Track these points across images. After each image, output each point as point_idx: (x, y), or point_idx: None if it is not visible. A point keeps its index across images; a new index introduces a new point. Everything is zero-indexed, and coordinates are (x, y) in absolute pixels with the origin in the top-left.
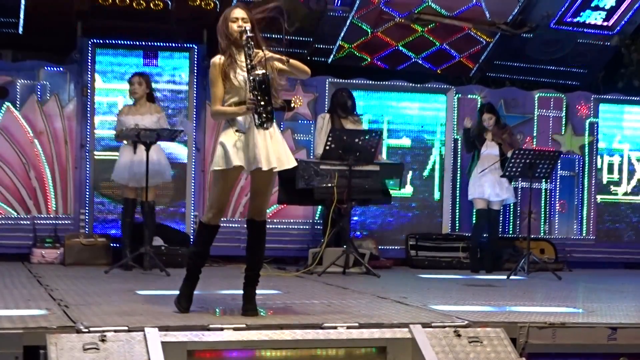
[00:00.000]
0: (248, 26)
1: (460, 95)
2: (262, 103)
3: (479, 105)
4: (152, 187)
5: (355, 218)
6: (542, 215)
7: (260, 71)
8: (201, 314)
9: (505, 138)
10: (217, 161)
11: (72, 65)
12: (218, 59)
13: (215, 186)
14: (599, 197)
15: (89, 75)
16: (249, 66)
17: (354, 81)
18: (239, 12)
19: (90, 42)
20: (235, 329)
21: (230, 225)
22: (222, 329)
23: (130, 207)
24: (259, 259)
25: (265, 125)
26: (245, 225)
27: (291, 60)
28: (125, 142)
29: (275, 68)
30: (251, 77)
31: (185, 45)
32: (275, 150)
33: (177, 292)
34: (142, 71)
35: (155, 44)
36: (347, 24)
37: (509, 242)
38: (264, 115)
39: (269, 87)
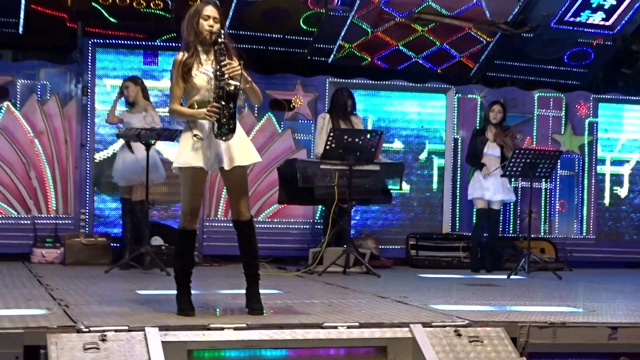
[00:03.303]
0: (218, 27)
1: (460, 94)
2: (227, 115)
3: (479, 105)
4: (140, 186)
5: (357, 217)
6: (542, 214)
7: (233, 82)
8: (201, 314)
9: (507, 141)
10: (177, 159)
11: (72, 65)
12: (181, 56)
13: (184, 190)
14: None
15: (89, 75)
16: (218, 73)
17: (354, 81)
18: (211, 10)
19: (90, 42)
20: (235, 329)
21: (229, 224)
22: (222, 329)
23: (127, 207)
24: (253, 257)
25: (224, 138)
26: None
27: (253, 84)
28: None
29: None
30: (220, 86)
31: None
32: (237, 147)
33: (176, 295)
34: (128, 76)
35: (156, 43)
36: (348, 23)
37: (509, 242)
38: (226, 127)
39: (237, 100)
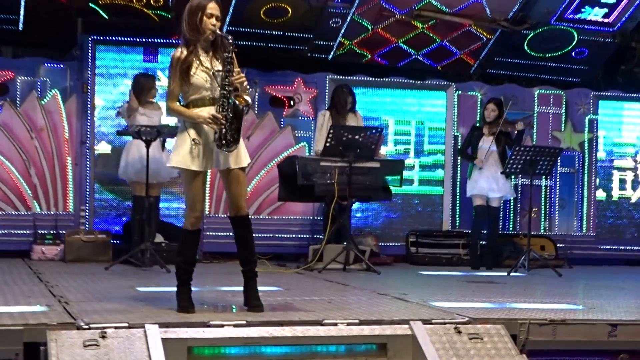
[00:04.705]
0: (219, 25)
1: (460, 92)
2: (233, 129)
3: (479, 102)
4: (158, 184)
5: (359, 214)
6: (542, 212)
7: (246, 98)
8: (201, 311)
9: (517, 126)
10: (173, 158)
11: (72, 61)
12: (179, 52)
13: (188, 190)
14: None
15: (89, 72)
16: (227, 82)
17: (354, 78)
18: (214, 8)
19: (90, 39)
20: (235, 326)
21: (229, 221)
22: (222, 326)
23: (140, 204)
24: (250, 253)
25: (226, 149)
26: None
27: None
28: (132, 138)
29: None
30: (231, 101)
31: None
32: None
33: (177, 292)
34: (147, 72)
35: (156, 40)
36: (348, 20)
37: (509, 239)
38: (230, 139)
39: (243, 115)
